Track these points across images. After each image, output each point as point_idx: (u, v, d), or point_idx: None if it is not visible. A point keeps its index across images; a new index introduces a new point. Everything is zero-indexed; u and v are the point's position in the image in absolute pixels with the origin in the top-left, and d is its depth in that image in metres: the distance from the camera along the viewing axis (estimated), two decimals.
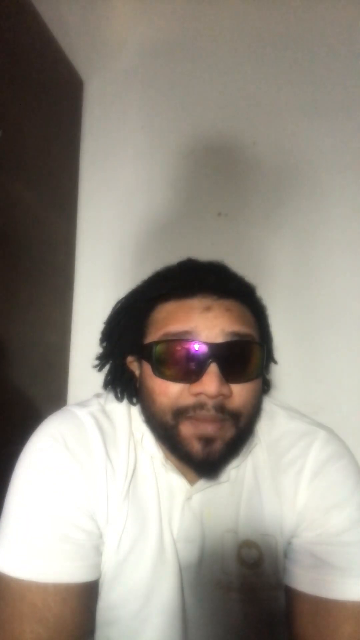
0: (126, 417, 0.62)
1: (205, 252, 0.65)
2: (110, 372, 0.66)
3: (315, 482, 0.58)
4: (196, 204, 1.17)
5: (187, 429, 0.53)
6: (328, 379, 1.09)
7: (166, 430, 0.54)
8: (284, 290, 1.11)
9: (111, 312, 0.66)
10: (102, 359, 0.66)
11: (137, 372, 0.63)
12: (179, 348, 0.53)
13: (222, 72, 1.18)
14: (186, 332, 0.53)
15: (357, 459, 0.63)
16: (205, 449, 0.52)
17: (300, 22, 1.14)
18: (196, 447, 0.52)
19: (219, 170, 1.17)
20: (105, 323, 0.66)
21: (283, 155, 1.14)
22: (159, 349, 0.54)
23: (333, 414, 1.04)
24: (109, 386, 0.66)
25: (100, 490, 0.55)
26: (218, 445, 0.52)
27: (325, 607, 0.52)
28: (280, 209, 1.14)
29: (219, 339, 0.53)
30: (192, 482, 0.60)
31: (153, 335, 0.57)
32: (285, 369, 1.02)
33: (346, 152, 1.11)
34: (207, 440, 0.52)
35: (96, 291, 1.20)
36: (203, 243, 1.14)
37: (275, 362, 0.68)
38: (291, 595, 0.56)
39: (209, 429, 0.52)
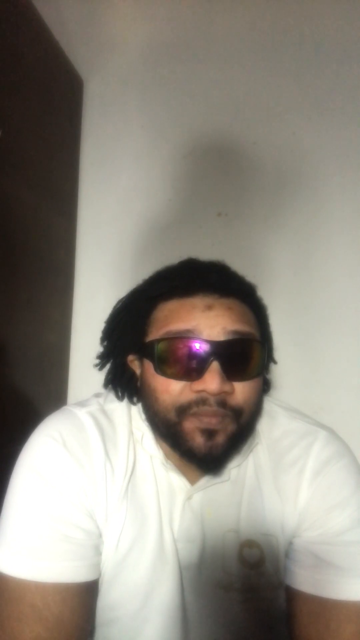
0: (126, 416, 0.62)
1: (205, 252, 0.65)
2: (110, 371, 0.66)
3: (316, 482, 0.58)
4: (196, 204, 1.17)
5: (190, 424, 0.53)
6: (328, 379, 1.09)
7: (169, 428, 0.54)
8: (284, 290, 1.11)
9: (112, 311, 0.66)
10: (103, 358, 0.66)
11: (138, 371, 0.63)
12: (180, 346, 0.53)
13: (222, 72, 1.18)
14: (188, 331, 0.54)
15: (358, 459, 0.63)
16: (208, 442, 0.52)
17: (301, 22, 1.14)
18: (198, 440, 0.52)
19: (219, 170, 1.17)
20: (106, 322, 0.66)
21: (283, 155, 1.14)
22: (161, 347, 0.55)
23: (333, 414, 1.04)
24: (110, 385, 0.66)
25: (99, 489, 0.55)
26: (220, 439, 0.53)
27: (326, 607, 0.52)
28: (280, 209, 1.14)
29: (221, 337, 0.53)
30: (192, 481, 0.60)
31: (155, 334, 0.57)
32: (285, 368, 1.02)
33: (346, 152, 1.11)
34: (209, 433, 0.52)
35: (96, 291, 1.20)
36: (203, 243, 1.15)
37: (275, 362, 0.68)
38: (292, 595, 0.56)
39: (212, 421, 0.52)
